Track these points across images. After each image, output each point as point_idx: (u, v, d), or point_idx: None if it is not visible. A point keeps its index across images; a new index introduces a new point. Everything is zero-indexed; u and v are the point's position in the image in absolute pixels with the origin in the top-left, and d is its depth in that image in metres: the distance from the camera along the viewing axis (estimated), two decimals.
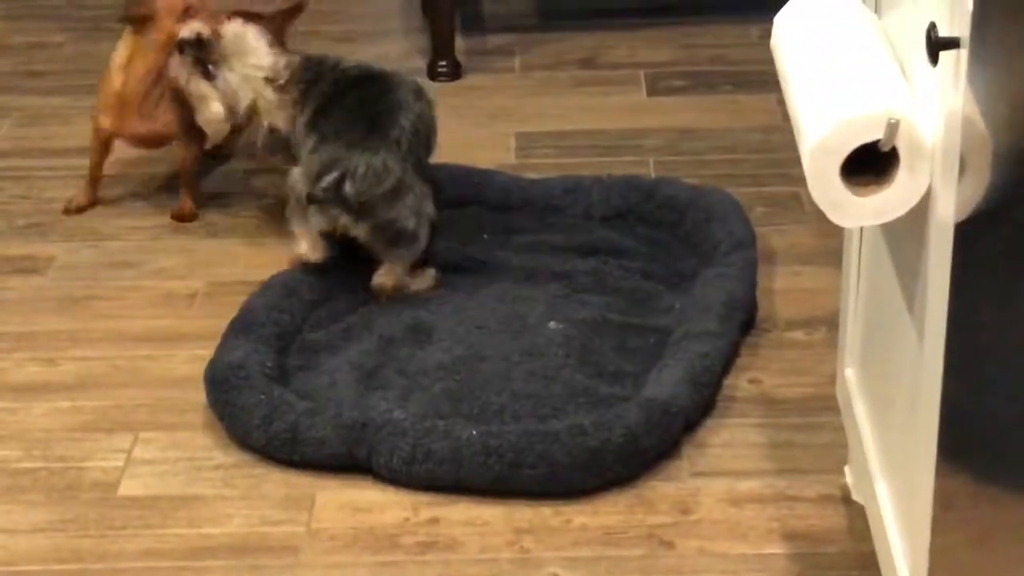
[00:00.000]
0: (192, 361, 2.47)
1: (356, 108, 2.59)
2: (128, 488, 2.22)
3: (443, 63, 3.48)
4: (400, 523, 2.14)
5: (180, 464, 2.27)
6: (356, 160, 2.52)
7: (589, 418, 2.21)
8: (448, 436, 2.18)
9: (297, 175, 2.57)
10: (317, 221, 2.55)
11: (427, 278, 2.58)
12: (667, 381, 2.29)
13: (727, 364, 2.42)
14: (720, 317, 2.45)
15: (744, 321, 2.51)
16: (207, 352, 2.45)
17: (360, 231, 2.55)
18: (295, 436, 2.22)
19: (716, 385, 2.36)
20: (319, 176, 2.53)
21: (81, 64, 3.56)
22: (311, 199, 2.52)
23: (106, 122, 2.87)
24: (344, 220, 2.54)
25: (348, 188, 2.51)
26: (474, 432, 2.18)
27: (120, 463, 2.27)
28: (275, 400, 2.26)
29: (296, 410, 2.24)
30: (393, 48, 3.63)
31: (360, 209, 2.52)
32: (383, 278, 2.56)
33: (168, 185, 3.02)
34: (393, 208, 2.53)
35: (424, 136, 2.62)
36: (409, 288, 2.56)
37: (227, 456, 2.28)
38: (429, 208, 2.58)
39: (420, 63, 3.51)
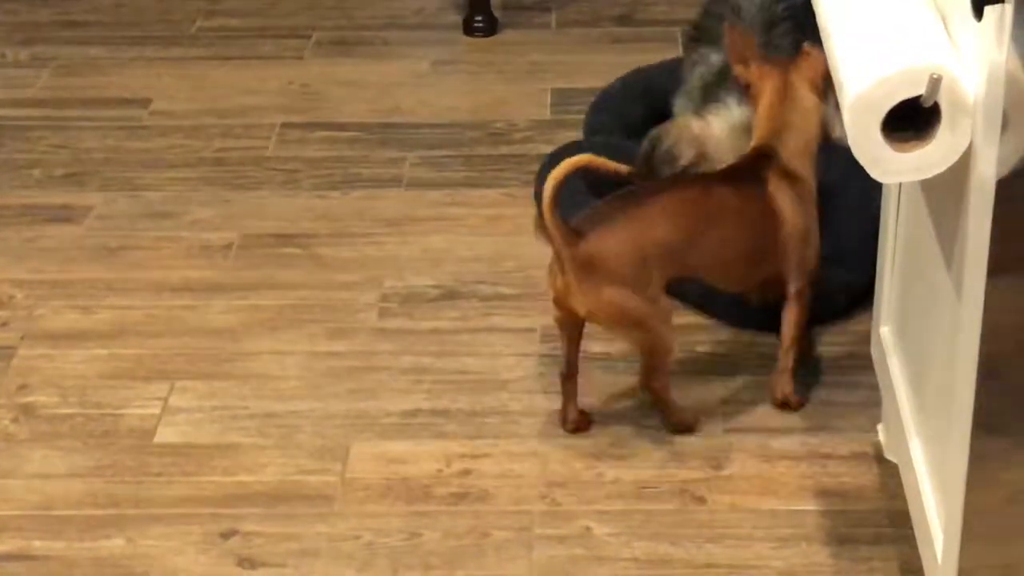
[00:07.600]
0: (228, 311, 2.49)
1: None
2: (164, 435, 2.23)
3: (479, 18, 3.46)
4: (433, 474, 2.15)
5: (216, 413, 2.28)
6: None
7: None
8: None
9: None
10: None
11: None
12: None
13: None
14: None
15: None
16: (243, 303, 2.46)
17: None
18: None
19: None
20: None
21: (119, 15, 3.56)
22: None
23: None
24: None
25: None
26: None
27: (156, 411, 2.28)
28: None
29: None
30: (429, 2, 3.62)
31: None
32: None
33: (203, 135, 3.04)
34: None
35: None
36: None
37: (262, 406, 2.29)
38: None
39: (456, 18, 3.50)
